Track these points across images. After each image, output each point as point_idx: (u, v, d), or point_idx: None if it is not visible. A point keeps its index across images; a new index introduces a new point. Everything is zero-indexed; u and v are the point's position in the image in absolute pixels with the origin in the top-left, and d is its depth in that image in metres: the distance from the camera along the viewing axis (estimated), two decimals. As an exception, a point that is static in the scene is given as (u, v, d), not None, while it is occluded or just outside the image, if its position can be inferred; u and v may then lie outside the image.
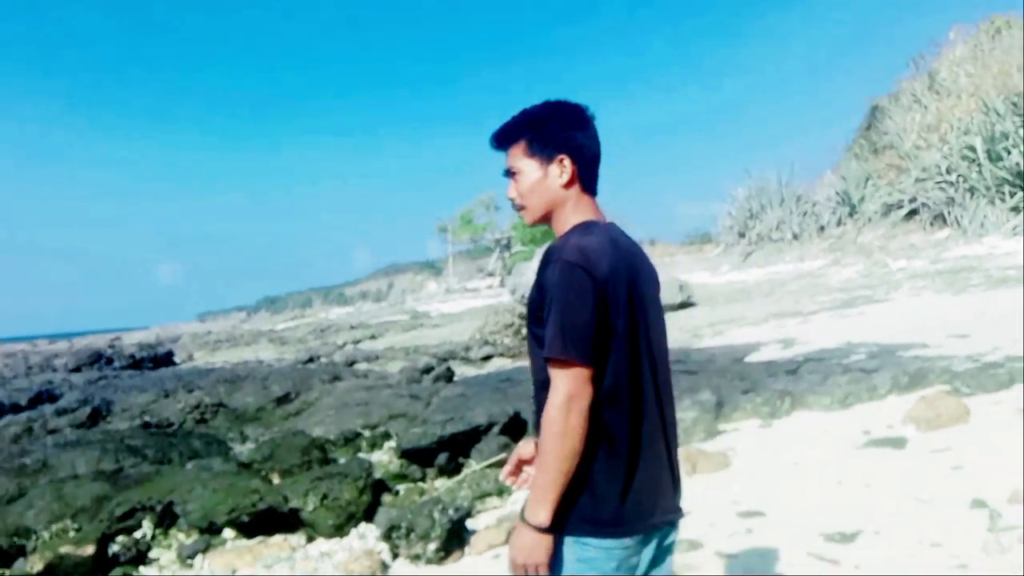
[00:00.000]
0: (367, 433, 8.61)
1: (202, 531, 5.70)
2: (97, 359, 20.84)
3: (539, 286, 1.79)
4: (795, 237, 27.28)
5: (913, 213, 23.47)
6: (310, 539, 5.66)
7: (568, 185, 1.87)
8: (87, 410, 10.45)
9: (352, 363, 16.58)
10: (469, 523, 5.46)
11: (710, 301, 20.01)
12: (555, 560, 1.74)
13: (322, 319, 38.65)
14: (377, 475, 6.66)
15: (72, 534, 5.52)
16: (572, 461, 1.68)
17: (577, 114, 1.91)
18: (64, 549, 4.84)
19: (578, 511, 1.73)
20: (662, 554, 1.86)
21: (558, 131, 1.87)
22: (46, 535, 5.55)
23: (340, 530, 5.72)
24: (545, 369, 1.74)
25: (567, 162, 1.86)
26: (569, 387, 1.67)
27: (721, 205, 32.44)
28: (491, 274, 50.81)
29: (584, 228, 1.83)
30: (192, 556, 5.30)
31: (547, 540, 1.71)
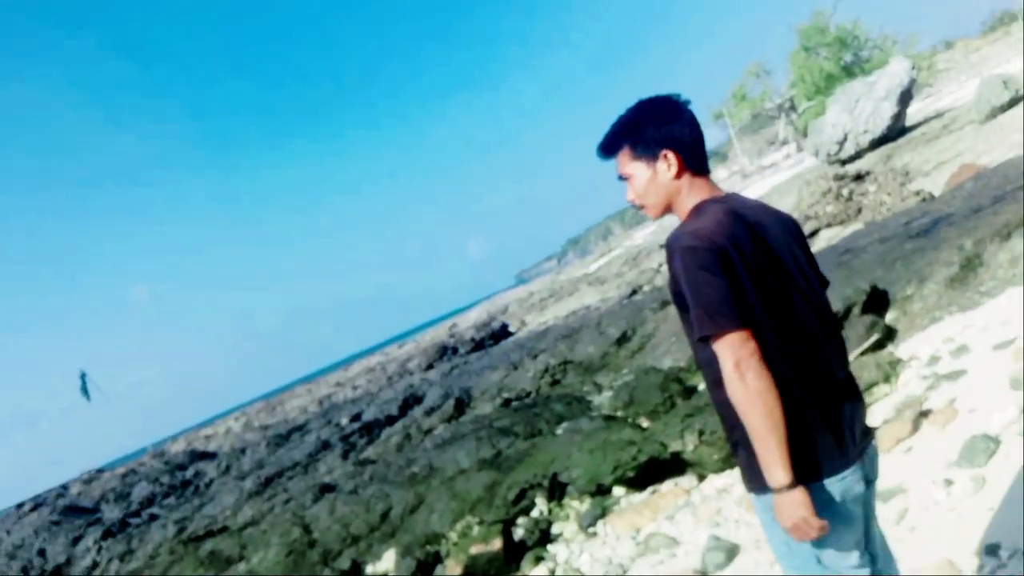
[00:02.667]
0: (719, 350, 8.17)
1: (593, 495, 5.65)
2: (444, 351, 22.44)
3: (673, 278, 1.87)
4: None
5: None
6: (701, 478, 5.38)
7: (678, 175, 1.96)
8: (451, 403, 11.11)
9: (674, 282, 16.13)
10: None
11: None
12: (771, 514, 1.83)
13: (629, 247, 38.74)
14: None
15: (476, 529, 5.71)
16: (775, 415, 1.72)
17: (669, 107, 1.99)
18: (475, 549, 4.96)
19: (821, 451, 1.82)
20: (869, 475, 1.93)
21: (655, 130, 1.96)
22: (454, 535, 5.76)
23: (729, 462, 5.36)
24: (702, 350, 1.86)
25: (671, 155, 1.95)
26: (733, 354, 1.74)
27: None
28: (784, 142, 47.30)
29: (696, 212, 1.93)
30: (593, 524, 5.20)
31: (798, 494, 1.74)
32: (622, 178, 2.06)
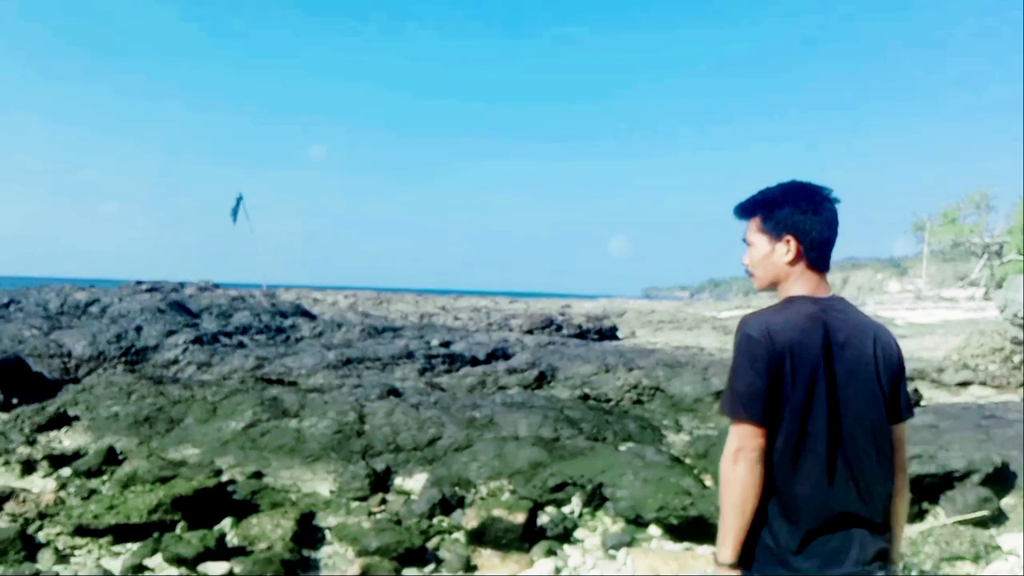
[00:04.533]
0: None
1: (628, 521, 5.53)
2: (548, 324, 22.44)
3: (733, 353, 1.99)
4: None
5: None
6: (740, 559, 5.17)
7: (793, 262, 2.05)
8: (534, 372, 11.14)
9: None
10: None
11: None
12: None
13: (769, 312, 37.37)
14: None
15: (507, 495, 5.71)
16: (745, 506, 1.88)
17: (813, 199, 2.06)
18: (497, 512, 4.98)
19: (761, 550, 1.91)
20: None
21: (789, 214, 2.05)
22: (484, 490, 5.82)
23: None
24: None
25: (793, 242, 2.04)
26: (738, 441, 1.89)
27: None
28: (973, 283, 44.11)
29: (784, 304, 2.02)
30: (616, 547, 5.09)
31: (731, 573, 1.91)
32: (745, 241, 2.18)
